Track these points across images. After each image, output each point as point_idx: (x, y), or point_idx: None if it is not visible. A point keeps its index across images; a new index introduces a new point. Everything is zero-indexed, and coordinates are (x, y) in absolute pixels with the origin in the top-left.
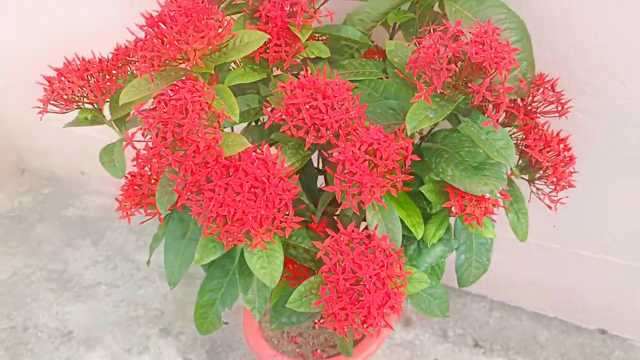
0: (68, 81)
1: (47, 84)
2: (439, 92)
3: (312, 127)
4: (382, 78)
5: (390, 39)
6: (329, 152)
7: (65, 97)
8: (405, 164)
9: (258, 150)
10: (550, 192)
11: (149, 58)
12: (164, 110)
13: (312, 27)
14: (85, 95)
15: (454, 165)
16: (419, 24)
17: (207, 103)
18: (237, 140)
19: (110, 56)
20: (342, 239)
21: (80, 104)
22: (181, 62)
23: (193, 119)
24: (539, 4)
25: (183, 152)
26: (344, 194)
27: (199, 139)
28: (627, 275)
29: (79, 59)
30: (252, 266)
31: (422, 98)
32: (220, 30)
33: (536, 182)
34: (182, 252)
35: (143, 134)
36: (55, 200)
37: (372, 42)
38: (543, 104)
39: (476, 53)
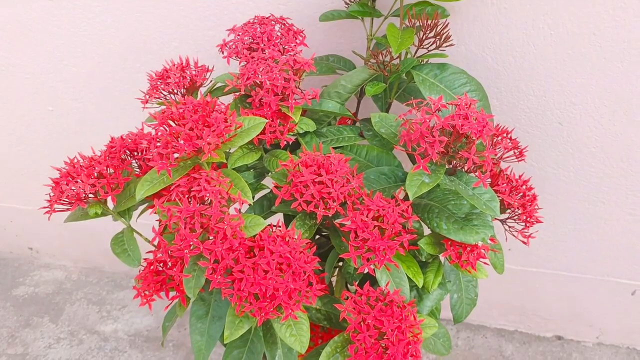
0: (80, 180)
1: (53, 184)
2: (434, 160)
3: (320, 200)
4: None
5: (358, 104)
6: (339, 222)
7: (74, 196)
8: (407, 225)
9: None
10: (522, 229)
11: (165, 155)
12: (188, 202)
13: (301, 107)
14: (95, 192)
15: (446, 218)
16: (389, 92)
17: (226, 191)
18: (255, 221)
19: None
20: (360, 298)
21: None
22: (197, 155)
23: (217, 209)
24: (485, 66)
25: (211, 239)
26: (360, 258)
27: (226, 226)
28: (575, 286)
29: (82, 157)
30: (282, 336)
31: (420, 167)
32: (228, 121)
33: (507, 221)
34: (208, 330)
35: (168, 227)
36: (3, 281)
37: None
38: (503, 152)
39: (462, 125)
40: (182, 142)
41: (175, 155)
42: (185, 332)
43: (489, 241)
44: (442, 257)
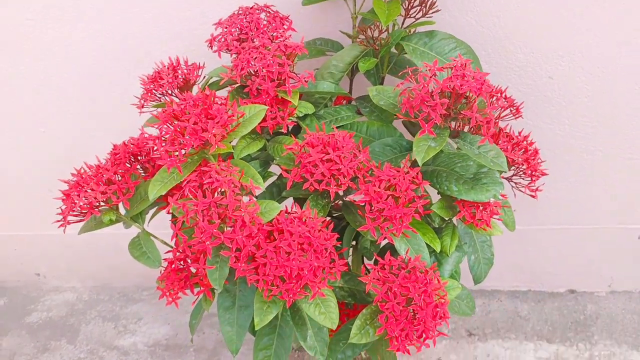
0: (90, 189)
1: (64, 197)
2: (438, 123)
3: (331, 178)
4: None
5: (351, 83)
6: (353, 196)
7: (87, 205)
8: (419, 191)
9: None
10: (529, 183)
11: (173, 152)
12: (203, 195)
13: (298, 90)
14: (107, 199)
15: (455, 180)
16: (381, 67)
17: (238, 180)
18: (270, 206)
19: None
20: (383, 268)
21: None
22: (204, 148)
23: (232, 198)
24: (471, 30)
25: (230, 229)
26: (379, 229)
27: (243, 213)
28: (583, 238)
29: (89, 166)
30: (311, 314)
31: (426, 132)
32: (229, 111)
33: (513, 178)
34: (237, 320)
35: (186, 222)
36: (14, 310)
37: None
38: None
39: (461, 85)
40: (188, 137)
41: (182, 151)
42: (204, 335)
43: (500, 197)
44: (455, 220)
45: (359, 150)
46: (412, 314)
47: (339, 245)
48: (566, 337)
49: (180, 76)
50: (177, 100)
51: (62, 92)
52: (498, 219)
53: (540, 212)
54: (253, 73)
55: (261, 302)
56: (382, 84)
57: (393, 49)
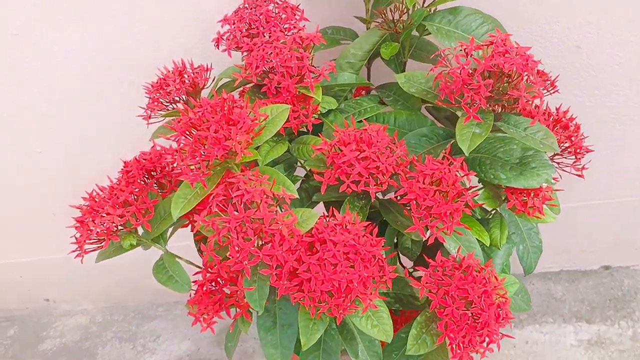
0: (106, 214)
1: (78, 225)
2: (483, 107)
3: (369, 177)
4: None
5: (369, 72)
6: (396, 195)
7: (105, 231)
8: (466, 183)
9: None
10: (574, 162)
11: (195, 165)
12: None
13: (320, 85)
14: (126, 222)
15: (501, 167)
16: (402, 52)
17: (270, 190)
18: (307, 214)
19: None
20: (436, 271)
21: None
22: (228, 158)
23: (266, 210)
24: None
25: (268, 244)
26: (427, 229)
27: (280, 226)
28: (616, 212)
29: (101, 189)
30: (363, 328)
31: (471, 118)
32: (251, 114)
33: (555, 157)
34: (280, 341)
35: (218, 241)
36: (26, 338)
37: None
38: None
39: (505, 63)
40: (210, 147)
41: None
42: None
43: (552, 181)
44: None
45: (395, 144)
46: (473, 317)
47: (386, 251)
48: (606, 315)
49: (187, 80)
50: (183, 107)
51: (59, 112)
52: (552, 204)
53: (572, 189)
54: (269, 70)
55: (306, 320)
56: (404, 70)
57: (414, 32)
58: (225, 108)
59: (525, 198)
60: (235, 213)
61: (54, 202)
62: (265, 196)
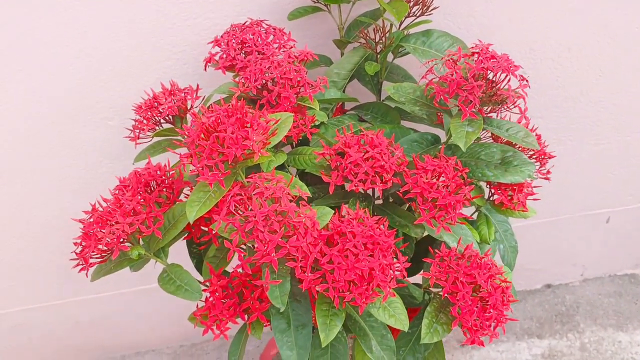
0: (115, 223)
1: (82, 242)
2: (478, 106)
3: (375, 175)
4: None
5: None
6: (403, 190)
7: (114, 241)
8: (464, 178)
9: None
10: (540, 167)
11: (212, 166)
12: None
13: (315, 97)
14: (136, 231)
15: (485, 167)
16: (380, 72)
17: (288, 189)
18: (323, 211)
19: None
20: (442, 260)
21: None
22: (247, 158)
23: (288, 204)
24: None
25: (294, 236)
26: (435, 220)
27: (304, 219)
28: (557, 229)
29: (105, 200)
30: (381, 318)
31: (467, 115)
32: (262, 119)
33: None
34: (295, 342)
35: (241, 236)
36: None
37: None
38: None
39: (494, 65)
40: (229, 147)
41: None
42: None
43: (534, 176)
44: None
45: (393, 147)
46: (482, 301)
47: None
48: (554, 330)
49: (177, 101)
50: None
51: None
52: (535, 199)
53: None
54: (265, 84)
55: (324, 317)
56: (380, 90)
57: (389, 55)
58: (241, 112)
59: (511, 193)
60: (260, 208)
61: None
62: (286, 192)
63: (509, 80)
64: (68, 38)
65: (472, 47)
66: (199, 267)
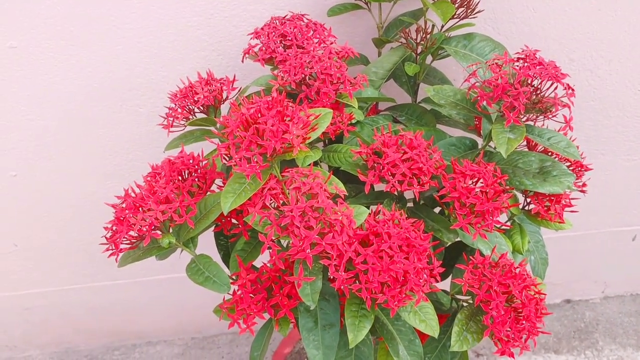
0: (147, 210)
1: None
2: (522, 113)
3: (412, 177)
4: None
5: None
6: (440, 194)
7: (147, 227)
8: (503, 185)
9: None
10: (576, 179)
11: (250, 158)
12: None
13: (355, 94)
14: (168, 219)
15: (524, 175)
16: (419, 74)
17: (325, 185)
18: (359, 210)
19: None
20: (475, 267)
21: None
22: (286, 151)
23: (325, 200)
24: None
25: (330, 234)
26: (472, 226)
27: (340, 217)
28: (580, 244)
29: (139, 186)
30: (411, 322)
31: (511, 121)
32: (302, 113)
33: None
34: (322, 341)
35: (276, 230)
36: None
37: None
38: None
39: (541, 72)
40: (268, 140)
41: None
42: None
43: (573, 187)
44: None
45: (431, 149)
46: (515, 311)
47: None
48: (572, 346)
49: (213, 90)
50: (244, 102)
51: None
52: (572, 211)
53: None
54: (304, 78)
55: (352, 317)
56: (417, 92)
57: (428, 57)
58: (281, 105)
59: (548, 204)
60: (297, 203)
61: (17, 231)
62: (323, 188)
63: (555, 88)
64: (119, 22)
65: (518, 53)
66: (225, 260)
